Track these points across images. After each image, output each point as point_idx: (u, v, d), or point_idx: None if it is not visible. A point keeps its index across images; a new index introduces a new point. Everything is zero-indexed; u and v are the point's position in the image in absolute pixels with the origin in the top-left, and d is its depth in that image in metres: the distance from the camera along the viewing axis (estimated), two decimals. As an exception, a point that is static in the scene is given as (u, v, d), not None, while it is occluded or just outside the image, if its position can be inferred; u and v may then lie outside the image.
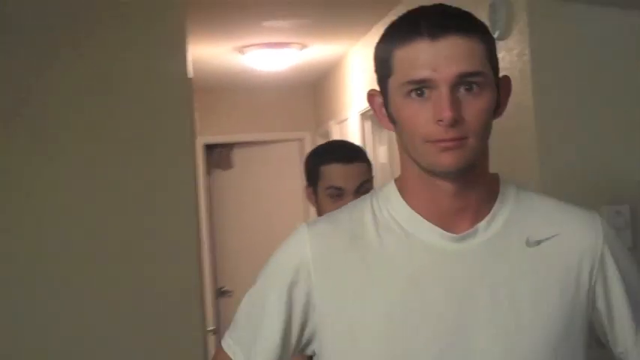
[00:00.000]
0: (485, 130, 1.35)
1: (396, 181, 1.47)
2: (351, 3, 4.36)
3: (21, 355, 3.44)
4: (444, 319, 1.36)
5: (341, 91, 6.43)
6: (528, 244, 1.41)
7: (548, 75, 2.73)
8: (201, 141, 7.16)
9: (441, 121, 1.29)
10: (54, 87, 3.56)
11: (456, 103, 1.30)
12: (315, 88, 7.57)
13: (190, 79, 3.94)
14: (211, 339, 4.76)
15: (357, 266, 1.40)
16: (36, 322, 3.47)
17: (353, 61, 5.82)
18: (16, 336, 3.43)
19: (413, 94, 1.33)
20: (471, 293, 1.36)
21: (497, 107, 1.40)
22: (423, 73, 1.31)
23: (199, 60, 5.88)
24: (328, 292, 1.40)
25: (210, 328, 4.93)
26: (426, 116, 1.31)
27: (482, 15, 3.09)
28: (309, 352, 1.48)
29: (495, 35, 2.97)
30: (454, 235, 1.39)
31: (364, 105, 5.11)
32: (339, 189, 2.40)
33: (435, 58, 1.30)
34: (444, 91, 1.30)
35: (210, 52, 5.73)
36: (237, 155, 7.74)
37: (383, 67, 1.38)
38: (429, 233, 1.39)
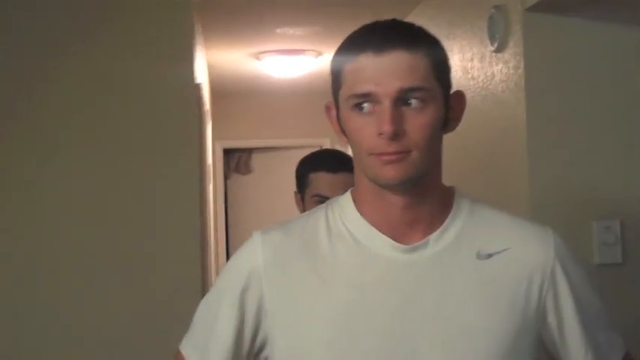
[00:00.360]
0: (429, 144, 1.36)
1: (352, 192, 1.49)
2: (362, 11, 4.37)
3: (21, 355, 3.48)
4: (389, 329, 1.37)
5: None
6: (479, 257, 1.42)
7: (542, 88, 2.74)
8: (219, 145, 7.22)
9: (382, 134, 1.31)
10: (60, 91, 3.60)
11: (397, 117, 1.32)
12: (334, 95, 7.59)
13: (198, 84, 3.97)
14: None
15: (308, 274, 1.42)
16: (36, 322, 3.51)
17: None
18: (16, 336, 3.47)
19: (359, 108, 1.35)
20: (418, 304, 1.38)
21: (448, 122, 1.41)
22: (366, 88, 1.33)
23: (217, 65, 5.94)
24: (279, 299, 1.43)
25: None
26: (370, 129, 1.34)
27: (482, 27, 3.10)
28: (262, 358, 1.50)
29: (493, 47, 2.99)
30: (405, 246, 1.41)
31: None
32: (325, 197, 2.42)
33: (379, 72, 1.33)
34: (386, 105, 1.32)
35: (228, 58, 5.79)
36: (257, 160, 7.79)
37: (335, 79, 1.42)
38: (381, 244, 1.41)
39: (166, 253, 3.59)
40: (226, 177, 7.71)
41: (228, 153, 7.66)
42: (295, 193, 2.58)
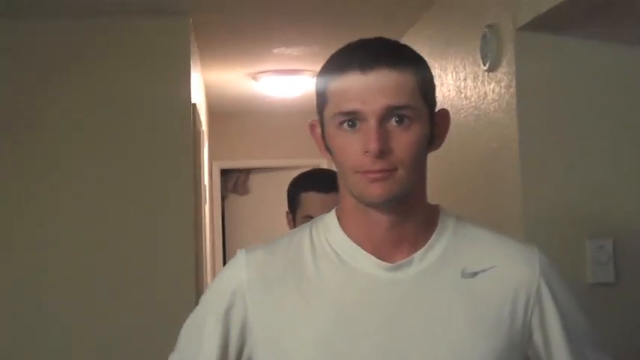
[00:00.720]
0: (415, 162, 1.36)
1: (336, 210, 1.49)
2: (359, 31, 4.37)
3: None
4: (375, 348, 1.37)
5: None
6: (464, 275, 1.42)
7: (534, 107, 2.74)
8: (217, 166, 7.22)
9: (368, 152, 1.31)
10: (59, 109, 3.69)
11: (383, 135, 1.32)
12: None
13: (194, 104, 3.99)
14: None
15: (292, 293, 1.41)
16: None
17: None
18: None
19: (344, 125, 1.35)
20: (405, 323, 1.38)
21: (433, 140, 1.41)
22: (353, 106, 1.33)
23: (214, 86, 5.95)
24: (263, 317, 1.42)
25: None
26: (355, 147, 1.34)
27: (475, 47, 3.11)
28: (247, 376, 1.49)
29: (486, 67, 2.99)
30: (389, 264, 1.40)
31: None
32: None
33: (365, 90, 1.33)
34: (372, 123, 1.32)
35: (225, 78, 5.79)
36: (254, 181, 7.79)
37: (320, 97, 1.42)
38: (365, 262, 1.41)
39: (160, 272, 3.64)
40: (224, 198, 7.70)
41: (225, 173, 7.66)
42: (287, 213, 2.57)
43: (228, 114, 7.16)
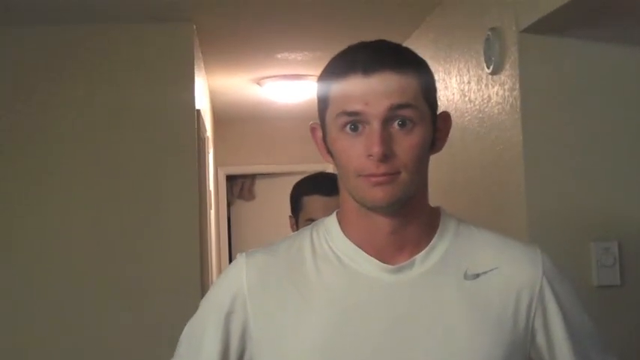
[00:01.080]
0: (418, 165, 1.35)
1: (337, 213, 1.48)
2: (363, 35, 4.37)
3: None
4: (377, 351, 1.36)
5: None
6: (466, 277, 1.41)
7: (538, 110, 2.73)
8: (222, 171, 7.22)
9: (371, 156, 1.31)
10: (68, 116, 3.71)
11: (387, 139, 1.31)
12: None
13: (198, 110, 3.99)
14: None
15: (293, 297, 1.41)
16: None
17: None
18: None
19: (347, 128, 1.34)
20: (407, 325, 1.37)
21: (435, 143, 1.41)
22: (356, 107, 1.32)
23: (218, 91, 5.96)
24: (264, 322, 1.41)
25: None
26: (358, 150, 1.33)
27: (479, 50, 3.10)
28: (248, 380, 1.49)
29: (489, 70, 2.98)
30: (391, 266, 1.39)
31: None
32: (318, 221, 2.41)
33: (368, 92, 1.32)
34: (375, 126, 1.31)
35: (229, 84, 5.80)
36: (260, 186, 7.78)
37: (321, 100, 1.41)
38: (367, 265, 1.40)
39: (166, 277, 3.64)
40: (230, 203, 7.70)
41: (231, 179, 7.66)
42: (290, 217, 2.57)
43: (233, 120, 7.16)
